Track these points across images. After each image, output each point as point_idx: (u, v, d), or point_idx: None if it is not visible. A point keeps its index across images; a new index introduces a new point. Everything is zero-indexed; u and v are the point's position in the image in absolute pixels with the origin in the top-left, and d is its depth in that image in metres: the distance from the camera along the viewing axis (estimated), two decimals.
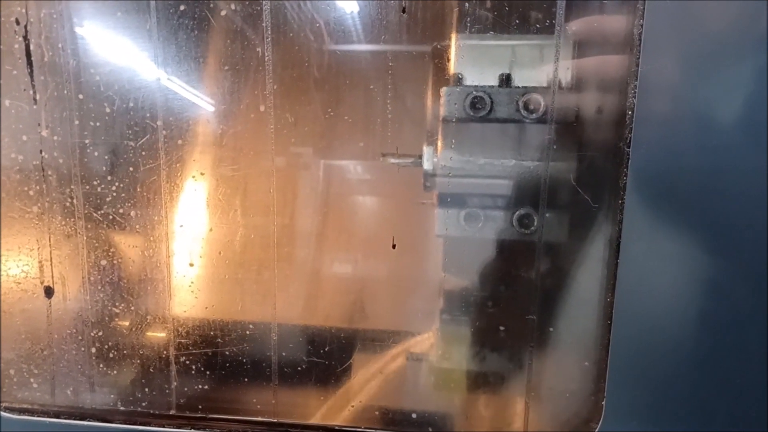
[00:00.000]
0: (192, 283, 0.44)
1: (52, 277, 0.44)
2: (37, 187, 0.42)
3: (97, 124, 0.41)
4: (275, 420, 0.44)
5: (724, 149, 0.33)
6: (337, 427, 0.44)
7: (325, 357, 0.44)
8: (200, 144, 0.42)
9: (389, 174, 0.42)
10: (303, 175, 0.43)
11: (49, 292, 0.43)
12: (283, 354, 0.44)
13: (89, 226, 0.43)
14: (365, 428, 0.44)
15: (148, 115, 0.41)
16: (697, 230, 0.35)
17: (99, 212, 0.43)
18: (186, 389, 0.44)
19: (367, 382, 0.45)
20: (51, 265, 0.43)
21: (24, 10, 0.40)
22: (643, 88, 0.33)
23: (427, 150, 0.40)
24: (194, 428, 0.43)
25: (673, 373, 0.36)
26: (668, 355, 0.36)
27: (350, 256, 0.44)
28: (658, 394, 0.36)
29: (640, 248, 0.35)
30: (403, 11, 0.37)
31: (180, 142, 0.42)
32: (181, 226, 0.43)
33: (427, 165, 0.40)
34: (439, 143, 0.40)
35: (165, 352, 0.44)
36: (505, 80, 0.38)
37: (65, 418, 0.44)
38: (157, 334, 0.45)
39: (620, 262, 0.36)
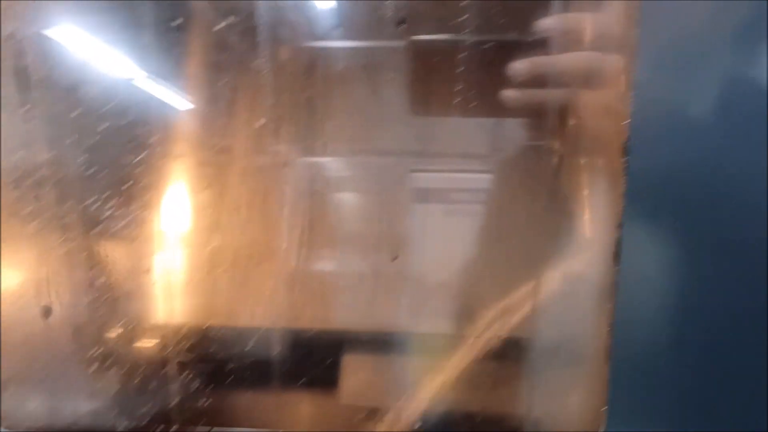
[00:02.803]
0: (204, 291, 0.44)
1: (50, 296, 0.43)
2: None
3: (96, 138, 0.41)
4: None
5: (721, 153, 0.34)
6: None
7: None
8: (198, 158, 0.42)
9: None
10: None
11: (47, 312, 0.43)
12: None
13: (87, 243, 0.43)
14: None
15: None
16: (695, 234, 0.35)
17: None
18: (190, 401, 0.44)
19: None
20: (48, 284, 0.43)
21: (16, 25, 0.40)
22: (639, 97, 0.34)
23: None
24: None
25: (675, 378, 0.36)
26: (669, 359, 0.36)
27: None
28: (659, 398, 0.37)
29: (640, 253, 0.36)
30: (402, 22, 0.37)
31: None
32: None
33: None
34: None
35: (165, 365, 0.44)
36: None
37: None
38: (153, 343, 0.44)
39: (621, 268, 0.36)
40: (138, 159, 0.41)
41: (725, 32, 0.33)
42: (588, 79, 0.37)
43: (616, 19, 0.36)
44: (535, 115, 0.38)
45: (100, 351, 0.44)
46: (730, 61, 0.34)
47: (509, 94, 0.37)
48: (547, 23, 0.36)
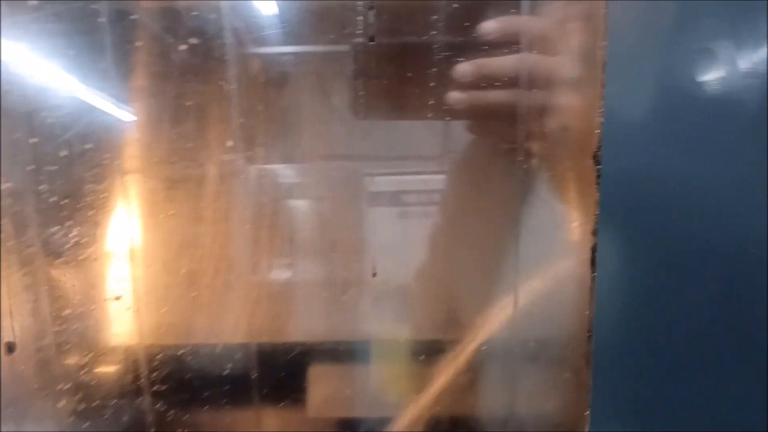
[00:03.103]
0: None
1: (13, 331, 0.41)
2: None
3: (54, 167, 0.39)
4: None
5: (693, 158, 0.35)
6: None
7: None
8: (158, 177, 0.41)
9: None
10: None
11: (10, 348, 0.41)
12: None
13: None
14: None
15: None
16: (669, 236, 0.36)
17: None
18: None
19: None
20: (11, 318, 0.41)
21: None
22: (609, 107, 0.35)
23: None
24: None
25: (658, 378, 0.37)
26: (650, 360, 0.37)
27: None
28: (641, 399, 0.37)
29: (616, 257, 0.37)
30: (371, 40, 0.37)
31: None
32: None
33: None
34: None
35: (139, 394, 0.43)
36: None
37: None
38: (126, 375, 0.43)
39: (597, 274, 0.37)
40: (100, 185, 0.40)
41: (695, 38, 0.34)
42: (530, 81, 0.37)
43: (568, 21, 0.37)
44: (493, 117, 0.39)
45: (67, 385, 0.42)
46: (698, 67, 0.34)
47: (455, 96, 0.38)
48: (489, 26, 0.37)
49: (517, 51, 0.37)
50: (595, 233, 0.36)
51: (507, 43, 0.37)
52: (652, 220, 0.36)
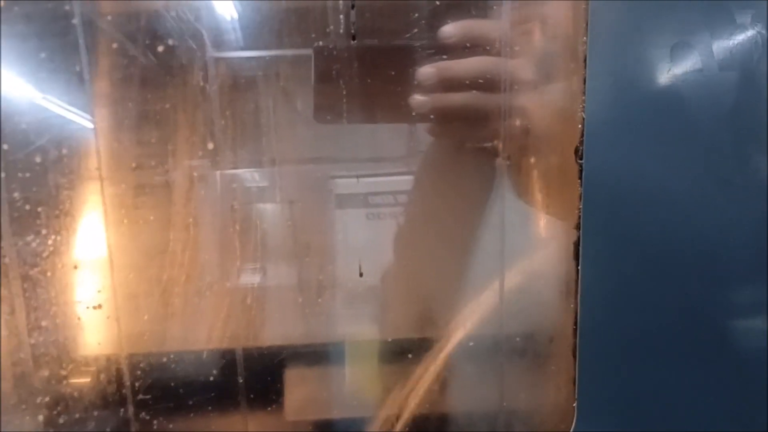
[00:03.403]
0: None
1: None
2: None
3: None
4: None
5: (671, 156, 0.36)
6: None
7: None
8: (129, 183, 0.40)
9: None
10: None
11: None
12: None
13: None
14: None
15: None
16: (651, 232, 0.37)
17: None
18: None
19: None
20: None
21: None
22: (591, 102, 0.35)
23: None
24: None
25: (643, 369, 0.38)
26: (635, 352, 0.38)
27: None
28: (628, 397, 0.38)
29: (599, 252, 0.37)
30: (353, 39, 0.36)
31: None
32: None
33: None
34: None
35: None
36: None
37: None
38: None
39: (581, 267, 0.37)
40: (72, 192, 0.39)
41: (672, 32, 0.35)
42: (489, 83, 0.38)
43: (526, 22, 0.37)
44: (457, 119, 0.39)
45: (47, 398, 0.41)
46: (677, 65, 0.35)
47: (417, 99, 0.38)
48: (449, 30, 0.37)
49: (477, 53, 0.38)
50: (578, 227, 0.37)
51: (466, 46, 0.37)
52: (635, 213, 0.36)
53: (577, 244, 0.37)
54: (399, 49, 0.38)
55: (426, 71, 0.38)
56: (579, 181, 0.36)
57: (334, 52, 0.38)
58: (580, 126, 0.35)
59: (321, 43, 0.38)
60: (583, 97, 0.35)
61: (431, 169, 0.42)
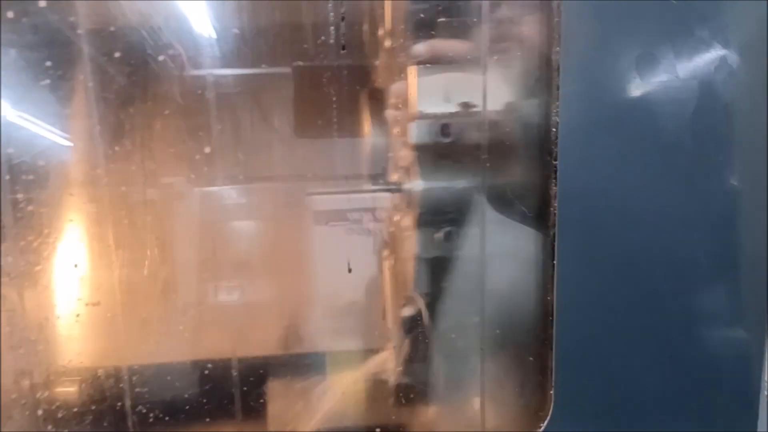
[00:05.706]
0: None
1: None
2: None
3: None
4: None
5: (637, 157, 0.38)
6: None
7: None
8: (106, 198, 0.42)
9: None
10: None
11: None
12: None
13: None
14: None
15: None
16: (625, 230, 0.39)
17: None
18: None
19: None
20: None
21: None
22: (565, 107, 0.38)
23: None
24: None
25: (618, 359, 0.40)
26: (610, 342, 0.40)
27: None
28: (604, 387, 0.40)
29: (575, 249, 0.40)
30: (343, 48, 0.39)
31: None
32: None
33: None
34: None
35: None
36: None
37: None
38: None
39: (557, 263, 0.40)
40: (48, 207, 0.40)
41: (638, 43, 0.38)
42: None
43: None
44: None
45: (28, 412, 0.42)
46: (643, 74, 0.38)
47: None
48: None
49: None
50: (554, 225, 0.39)
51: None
52: (606, 212, 0.39)
53: (553, 239, 0.40)
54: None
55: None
56: (554, 180, 0.39)
57: (313, 69, 0.40)
58: (554, 130, 0.38)
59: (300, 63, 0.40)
60: (557, 102, 0.37)
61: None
